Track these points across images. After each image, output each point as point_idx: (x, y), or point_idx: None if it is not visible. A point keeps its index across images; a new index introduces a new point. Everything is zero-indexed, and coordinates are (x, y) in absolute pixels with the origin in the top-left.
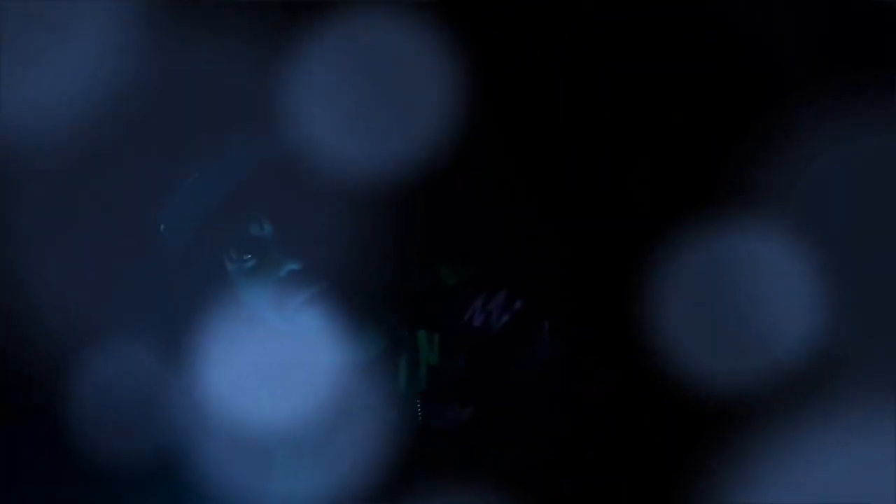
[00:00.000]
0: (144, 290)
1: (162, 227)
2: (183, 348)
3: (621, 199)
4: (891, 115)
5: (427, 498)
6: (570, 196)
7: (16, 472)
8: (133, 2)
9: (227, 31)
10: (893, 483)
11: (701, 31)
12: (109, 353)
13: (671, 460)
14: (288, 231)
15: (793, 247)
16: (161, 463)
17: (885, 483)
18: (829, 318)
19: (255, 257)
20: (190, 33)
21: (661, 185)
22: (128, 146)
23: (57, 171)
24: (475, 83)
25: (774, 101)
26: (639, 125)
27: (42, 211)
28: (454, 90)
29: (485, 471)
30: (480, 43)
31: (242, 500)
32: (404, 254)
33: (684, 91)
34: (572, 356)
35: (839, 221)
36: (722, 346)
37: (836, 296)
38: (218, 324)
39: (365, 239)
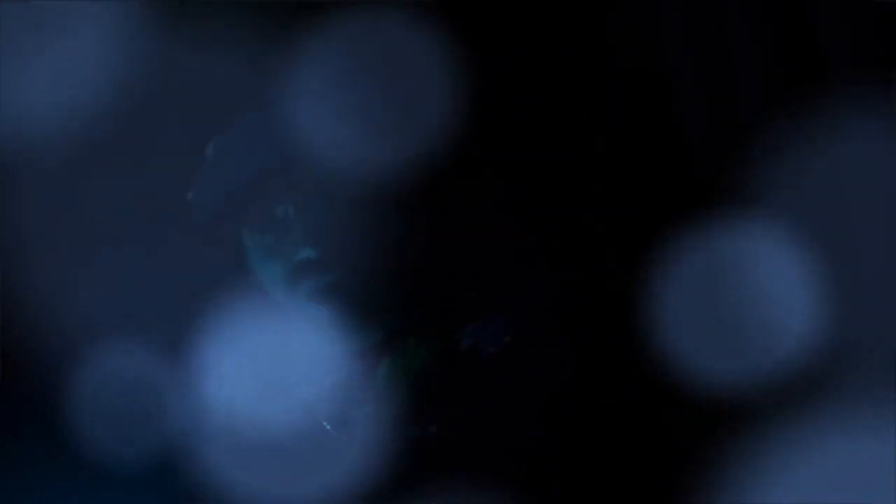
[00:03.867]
0: (148, 288)
1: (190, 195)
2: (186, 346)
3: (620, 199)
4: (891, 115)
5: (423, 496)
6: (568, 195)
7: (17, 472)
8: (133, 1)
9: (227, 31)
10: (893, 483)
11: (699, 32)
12: (113, 351)
13: (671, 461)
14: (309, 219)
15: (792, 247)
16: (162, 462)
17: (886, 483)
18: (829, 317)
19: (273, 237)
20: (189, 33)
21: (660, 185)
22: (129, 146)
23: (57, 171)
24: (478, 83)
25: (774, 101)
26: (638, 125)
27: (43, 211)
28: (458, 90)
29: (483, 471)
30: (483, 43)
31: (243, 499)
32: (410, 253)
33: (683, 91)
34: (569, 359)
35: (839, 221)
36: (721, 346)
37: (836, 295)
38: (222, 319)
39: (376, 234)
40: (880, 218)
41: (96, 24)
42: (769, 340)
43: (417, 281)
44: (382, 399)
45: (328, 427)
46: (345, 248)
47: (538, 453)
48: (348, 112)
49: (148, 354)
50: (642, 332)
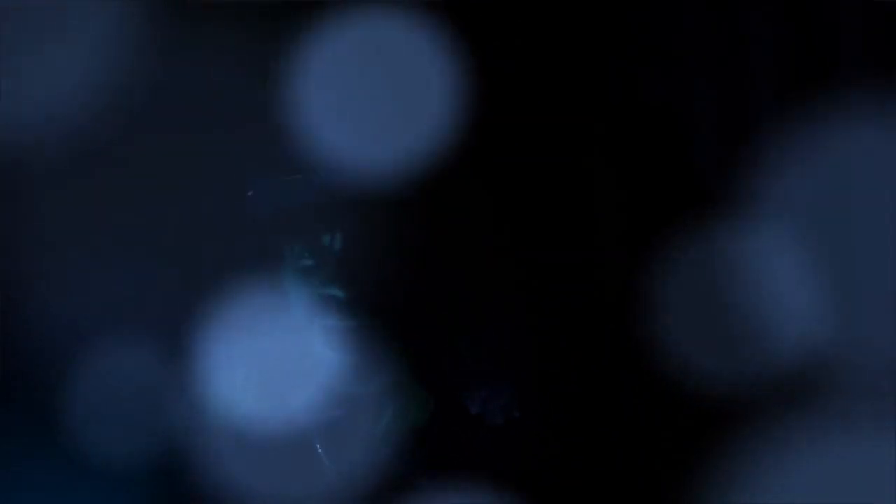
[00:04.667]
0: (148, 288)
1: (251, 193)
2: (187, 347)
3: (620, 200)
4: (891, 115)
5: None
6: (568, 196)
7: (16, 472)
8: (134, 1)
9: (228, 31)
10: (893, 483)
11: (702, 32)
12: (113, 352)
13: (671, 462)
14: (347, 256)
15: (792, 247)
16: (162, 462)
17: (886, 483)
18: (829, 318)
19: (314, 262)
20: (190, 32)
21: (659, 186)
22: (129, 146)
23: (58, 170)
24: (479, 84)
25: (777, 101)
26: (638, 125)
27: (43, 210)
28: (461, 90)
29: (486, 475)
30: (484, 43)
31: (243, 500)
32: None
33: (686, 91)
34: (571, 359)
35: (838, 222)
36: (721, 347)
37: (837, 296)
38: (221, 321)
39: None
40: (883, 218)
41: (96, 23)
42: (770, 341)
43: (433, 330)
44: (382, 443)
45: (325, 457)
46: (373, 297)
47: (538, 456)
48: (352, 114)
49: (148, 355)
50: (645, 336)
